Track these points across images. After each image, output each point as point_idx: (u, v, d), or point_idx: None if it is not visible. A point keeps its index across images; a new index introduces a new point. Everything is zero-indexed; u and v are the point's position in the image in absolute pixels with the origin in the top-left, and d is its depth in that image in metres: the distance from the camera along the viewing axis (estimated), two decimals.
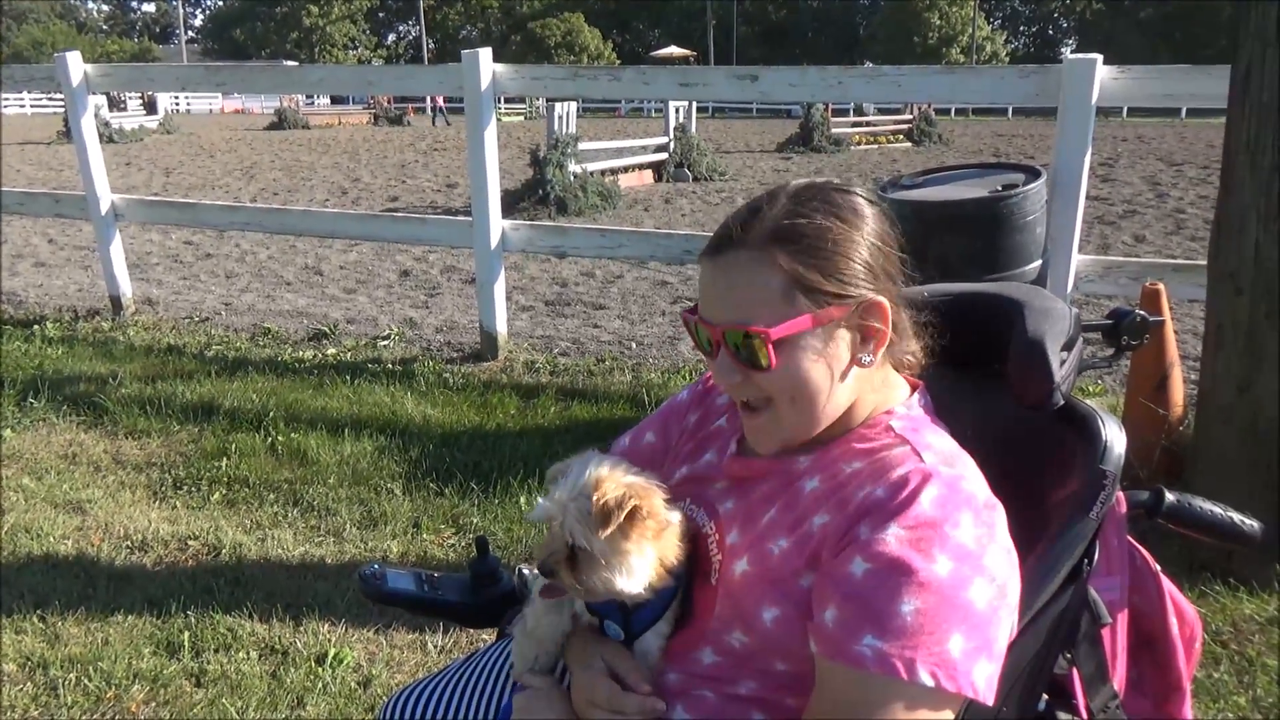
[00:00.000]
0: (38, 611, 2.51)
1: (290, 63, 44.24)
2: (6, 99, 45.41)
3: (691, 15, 62.73)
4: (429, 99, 35.19)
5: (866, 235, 0.95)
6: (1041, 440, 1.03)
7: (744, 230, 0.95)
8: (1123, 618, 1.02)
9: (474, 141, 4.26)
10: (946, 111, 37.27)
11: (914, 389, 1.03)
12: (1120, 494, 1.01)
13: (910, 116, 22.53)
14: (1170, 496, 1.03)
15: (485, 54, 4.12)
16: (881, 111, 25.53)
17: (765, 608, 0.93)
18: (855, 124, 23.26)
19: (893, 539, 0.84)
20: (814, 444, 0.99)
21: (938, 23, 50.84)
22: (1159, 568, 1.09)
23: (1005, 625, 0.85)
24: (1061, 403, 0.99)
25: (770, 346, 0.92)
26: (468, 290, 6.44)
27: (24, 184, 12.18)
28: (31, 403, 4.08)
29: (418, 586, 1.25)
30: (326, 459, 3.51)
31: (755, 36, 66.92)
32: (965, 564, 0.83)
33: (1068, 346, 1.00)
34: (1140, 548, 1.07)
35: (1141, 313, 1.12)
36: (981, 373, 1.09)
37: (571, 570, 0.95)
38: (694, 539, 1.04)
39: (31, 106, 43.83)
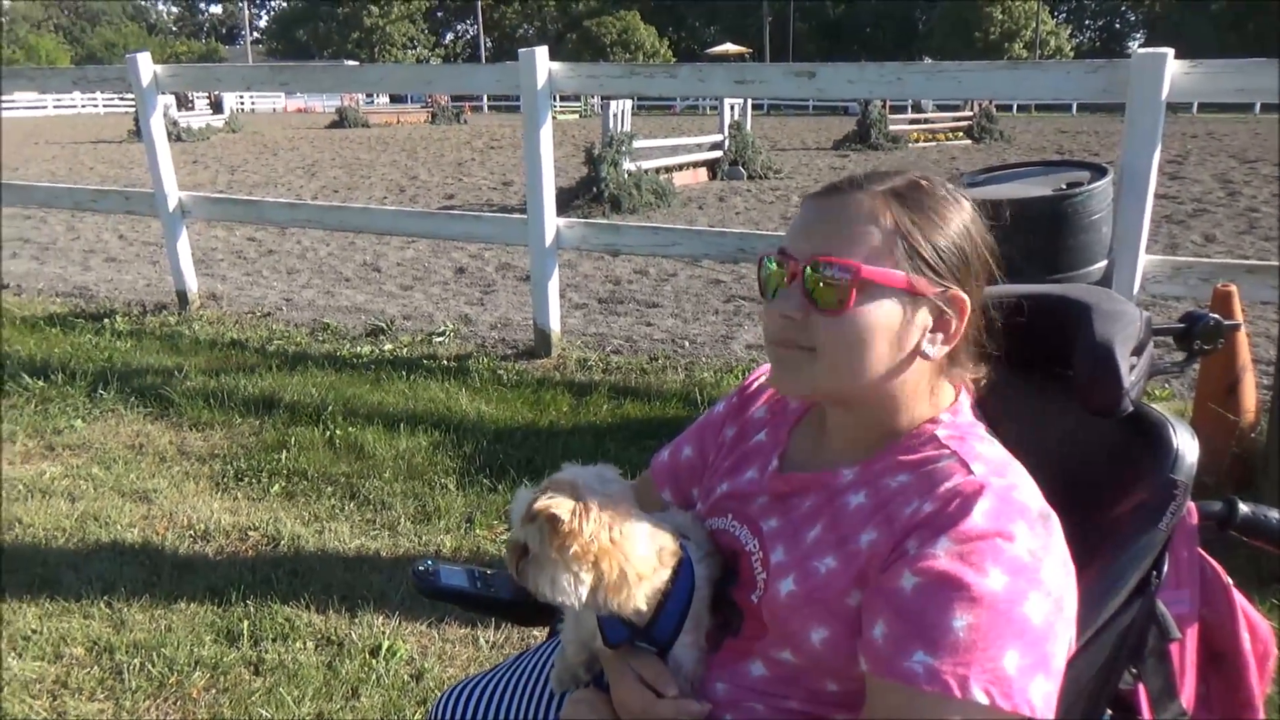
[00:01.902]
0: (105, 598, 2.59)
1: (351, 62, 45.03)
2: (82, 99, 46.93)
3: (747, 11, 62.34)
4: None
5: (969, 225, 0.94)
6: (1108, 448, 1.00)
7: (865, 180, 0.94)
8: (1192, 632, 0.98)
9: (530, 139, 4.28)
10: (1008, 108, 36.53)
11: (958, 393, 1.00)
12: (1191, 504, 0.97)
13: (970, 113, 22.11)
14: (1244, 507, 0.99)
15: (542, 52, 4.14)
16: (940, 108, 25.10)
17: (813, 628, 0.91)
18: (913, 121, 22.91)
19: (943, 553, 0.81)
20: (859, 455, 0.97)
21: (1000, 17, 49.84)
22: (1230, 580, 1.05)
23: (1063, 641, 0.82)
24: (1130, 409, 0.95)
25: (855, 286, 0.89)
26: (522, 287, 6.48)
27: (96, 181, 12.59)
28: (101, 394, 4.20)
29: (470, 583, 1.25)
30: (383, 453, 3.56)
31: (812, 32, 66.31)
32: (1020, 577, 0.80)
33: (1138, 351, 0.97)
34: (1210, 559, 1.03)
35: (1215, 316, 1.08)
36: (1044, 376, 1.06)
37: (519, 566, 0.97)
38: (735, 555, 1.03)
39: (104, 106, 45.29)
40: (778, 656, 0.96)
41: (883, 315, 0.90)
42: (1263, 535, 1.00)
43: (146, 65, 5.10)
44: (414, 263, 7.54)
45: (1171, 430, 0.93)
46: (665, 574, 0.99)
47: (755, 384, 1.19)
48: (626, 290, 6.48)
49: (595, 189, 9.92)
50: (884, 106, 19.32)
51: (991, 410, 1.02)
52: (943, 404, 0.97)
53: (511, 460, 3.46)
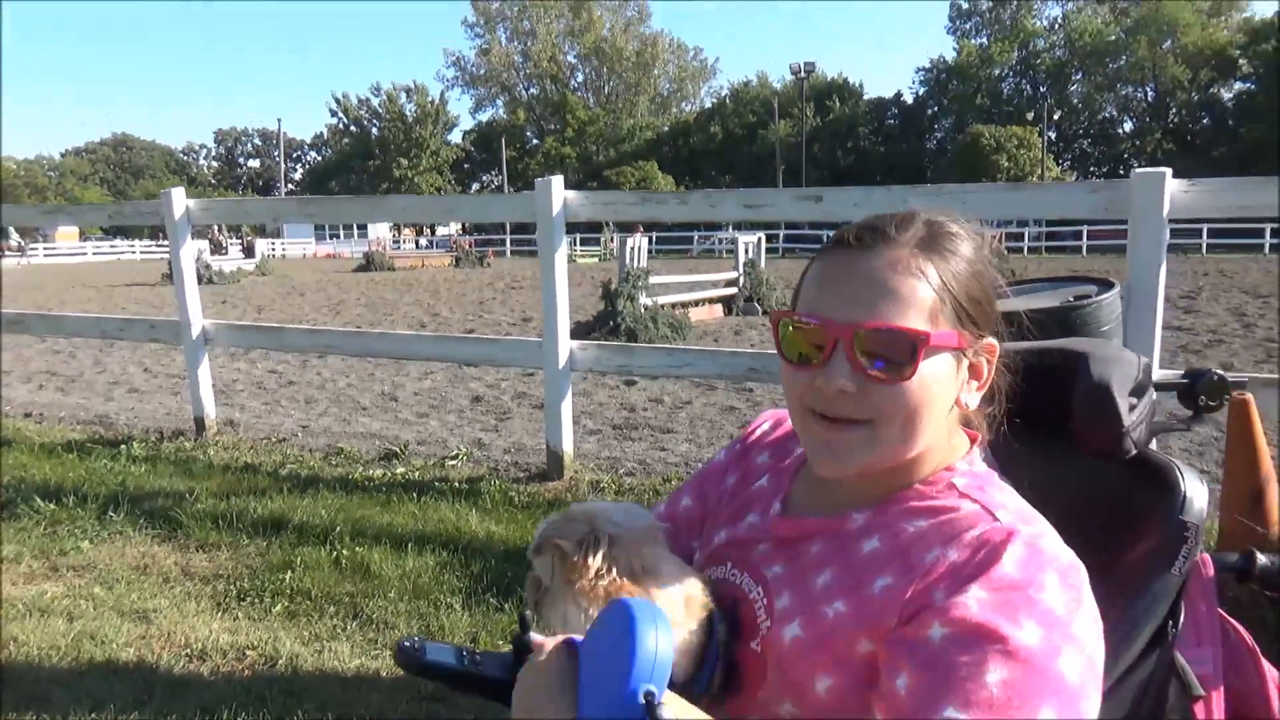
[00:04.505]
0: (93, 715, 2.50)
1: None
2: (121, 245, 48.87)
3: (761, 160, 64.78)
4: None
5: (983, 267, 0.93)
6: (1116, 495, 0.97)
7: (887, 230, 0.90)
8: (1219, 697, 0.92)
9: (545, 263, 4.39)
10: (1019, 248, 37.28)
11: (973, 442, 0.97)
12: (1207, 557, 0.93)
13: None
14: (1263, 559, 0.94)
15: (557, 181, 4.29)
16: None
17: (819, 677, 0.86)
18: None
19: (974, 603, 0.77)
20: (870, 501, 0.93)
21: (1006, 164, 51.47)
22: (1258, 647, 0.99)
23: (1095, 699, 0.76)
24: (1134, 452, 0.93)
25: (921, 354, 0.85)
26: (537, 415, 6.49)
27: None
28: (111, 516, 4.18)
29: (458, 660, 1.19)
30: (389, 573, 3.48)
31: (824, 180, 68.60)
32: (1055, 631, 0.75)
33: (1137, 393, 0.95)
34: (1234, 623, 0.98)
35: (1220, 372, 1.06)
36: (1049, 428, 1.04)
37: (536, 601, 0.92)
38: (735, 604, 0.98)
39: (141, 252, 47.08)
40: (778, 710, 0.90)
41: (941, 377, 0.88)
42: None
43: (180, 199, 5.32)
44: (431, 392, 7.60)
45: (1179, 473, 0.90)
46: (694, 624, 0.93)
47: (758, 431, 1.17)
48: (641, 417, 6.48)
49: (612, 322, 10.09)
50: None
51: (999, 466, 0.99)
52: (958, 451, 0.95)
53: (519, 579, 3.37)
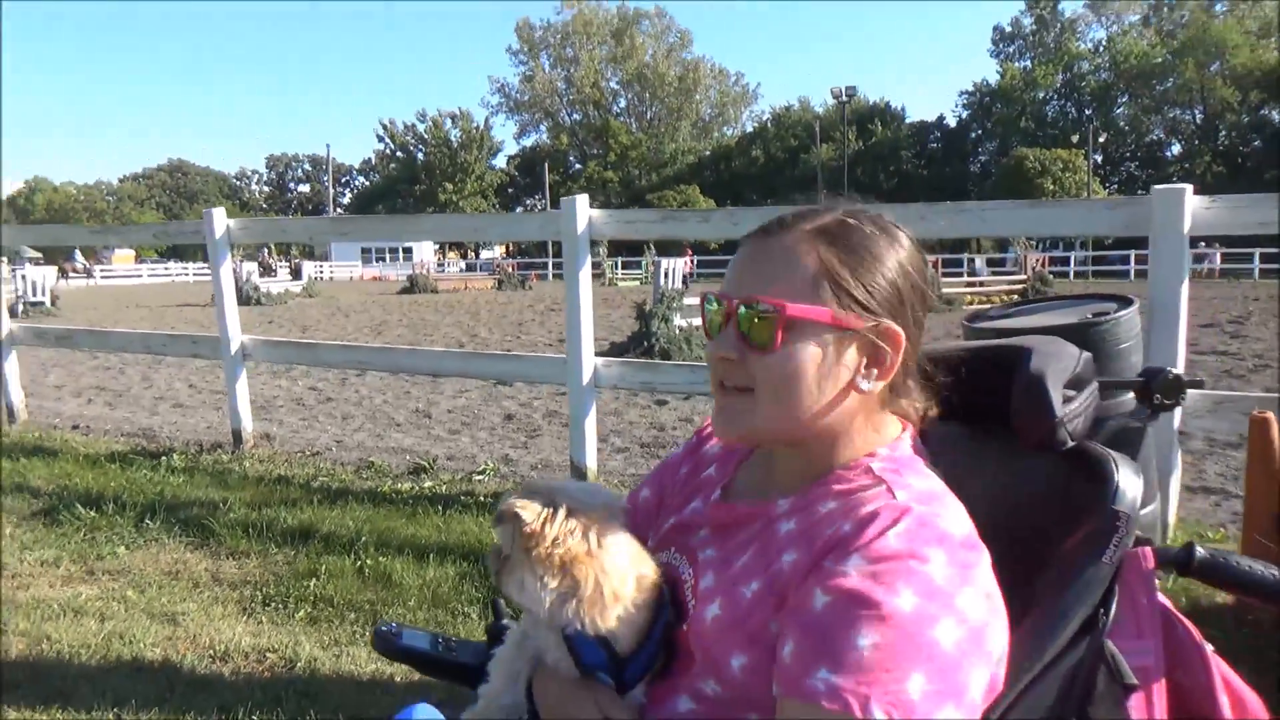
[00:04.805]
0: (115, 710, 2.58)
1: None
2: (174, 267, 50.18)
3: (803, 184, 64.73)
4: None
5: (903, 260, 0.96)
6: (1052, 486, 0.99)
7: (793, 220, 0.97)
8: (1160, 690, 0.93)
9: (570, 281, 4.46)
10: (1064, 273, 36.77)
11: (904, 428, 1.00)
12: (1148, 550, 0.94)
13: (1024, 276, 22.33)
14: (1201, 550, 0.95)
15: (582, 200, 4.37)
16: (995, 273, 25.39)
17: (734, 655, 0.90)
18: (969, 284, 23.18)
19: (854, 571, 0.80)
20: (796, 486, 0.97)
21: (1050, 187, 50.84)
22: (1210, 647, 1.00)
23: (979, 674, 0.78)
24: (1070, 444, 0.95)
25: (781, 325, 0.91)
26: (566, 433, 6.53)
27: None
28: (148, 524, 4.30)
29: (432, 646, 1.25)
30: (410, 582, 3.54)
31: (867, 204, 67.93)
32: (933, 601, 0.78)
33: (1075, 386, 0.97)
34: (1183, 619, 0.99)
35: (1176, 371, 1.08)
36: (992, 424, 1.06)
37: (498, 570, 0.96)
38: (674, 586, 1.02)
39: (194, 275, 48.20)
40: (704, 688, 0.93)
41: (812, 351, 0.92)
42: (1221, 579, 0.96)
43: (220, 219, 5.49)
44: (464, 410, 7.71)
45: (1113, 464, 0.92)
46: (641, 600, 0.97)
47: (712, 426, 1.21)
48: (670, 436, 6.51)
49: (646, 343, 10.14)
50: (936, 269, 19.64)
51: (944, 461, 1.02)
52: (885, 438, 0.98)
53: None
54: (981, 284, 23.46)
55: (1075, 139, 56.93)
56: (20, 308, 20.53)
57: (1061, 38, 67.34)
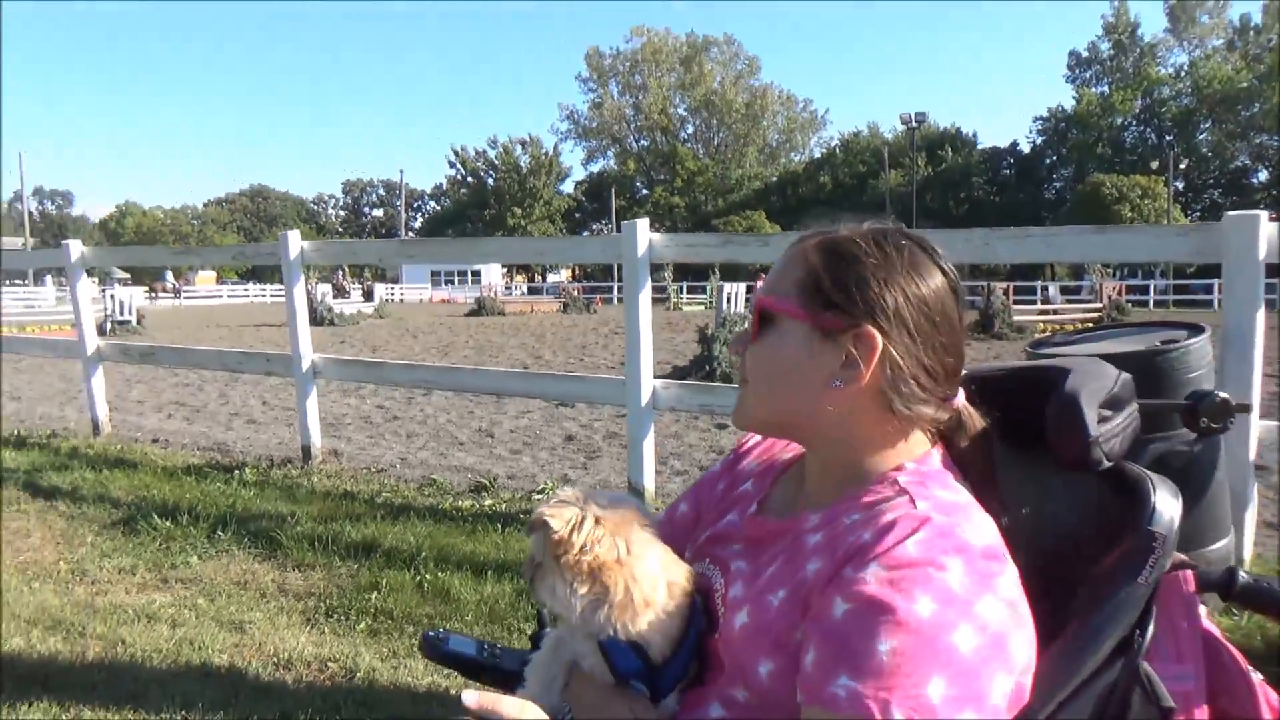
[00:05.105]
0: (184, 713, 2.68)
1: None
2: (254, 288, 51.90)
3: (872, 210, 64.00)
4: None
5: (902, 279, 0.97)
6: (1089, 507, 0.98)
7: (813, 233, 1.04)
8: (1202, 715, 0.92)
9: (630, 303, 4.51)
10: (1144, 301, 35.72)
11: (933, 444, 1.01)
12: (1189, 573, 0.93)
13: (1100, 304, 21.77)
14: (1245, 575, 0.94)
15: (643, 224, 4.43)
16: (1070, 300, 24.81)
17: (761, 661, 0.91)
18: (1041, 312, 22.68)
19: (872, 578, 0.82)
20: (826, 501, 0.99)
21: (1129, 214, 49.52)
22: (1259, 676, 0.98)
23: (1000, 682, 0.78)
24: (1106, 464, 0.94)
25: (758, 317, 0.99)
26: (625, 454, 6.58)
27: None
28: (219, 535, 4.45)
29: (478, 652, 1.28)
30: (467, 597, 3.60)
31: (935, 228, 67.15)
32: (950, 608, 0.79)
33: (1113, 406, 0.97)
34: (1229, 646, 0.97)
35: (1223, 395, 1.07)
36: (1030, 445, 1.06)
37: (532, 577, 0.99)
38: (706, 595, 1.04)
39: (271, 296, 49.70)
40: (733, 695, 0.95)
41: (788, 348, 0.98)
42: (1263, 605, 0.94)
43: (295, 241, 5.69)
44: (526, 430, 7.80)
45: (1150, 485, 0.92)
46: (673, 607, 1.00)
47: (750, 441, 1.23)
48: None
49: (707, 367, 10.14)
50: (1007, 295, 19.27)
51: (985, 481, 1.02)
52: (913, 454, 0.99)
53: None
54: (1055, 311, 22.94)
55: (1155, 165, 55.43)
56: (108, 326, 21.40)
57: (1141, 63, 65.80)
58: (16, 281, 51.99)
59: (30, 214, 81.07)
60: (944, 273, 1.00)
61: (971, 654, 0.78)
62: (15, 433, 7.25)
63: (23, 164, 74.02)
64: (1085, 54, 69.30)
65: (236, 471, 5.78)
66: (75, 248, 7.06)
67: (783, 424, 1.03)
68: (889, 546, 0.84)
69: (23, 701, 2.76)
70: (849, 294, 0.96)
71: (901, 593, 0.80)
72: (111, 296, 23.74)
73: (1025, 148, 70.24)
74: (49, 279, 46.86)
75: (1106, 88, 66.68)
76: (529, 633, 3.25)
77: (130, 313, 23.68)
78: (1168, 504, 0.90)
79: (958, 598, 0.79)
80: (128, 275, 45.29)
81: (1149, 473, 0.94)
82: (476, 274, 60.45)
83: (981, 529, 0.88)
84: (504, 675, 1.28)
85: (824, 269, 0.98)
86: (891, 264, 0.98)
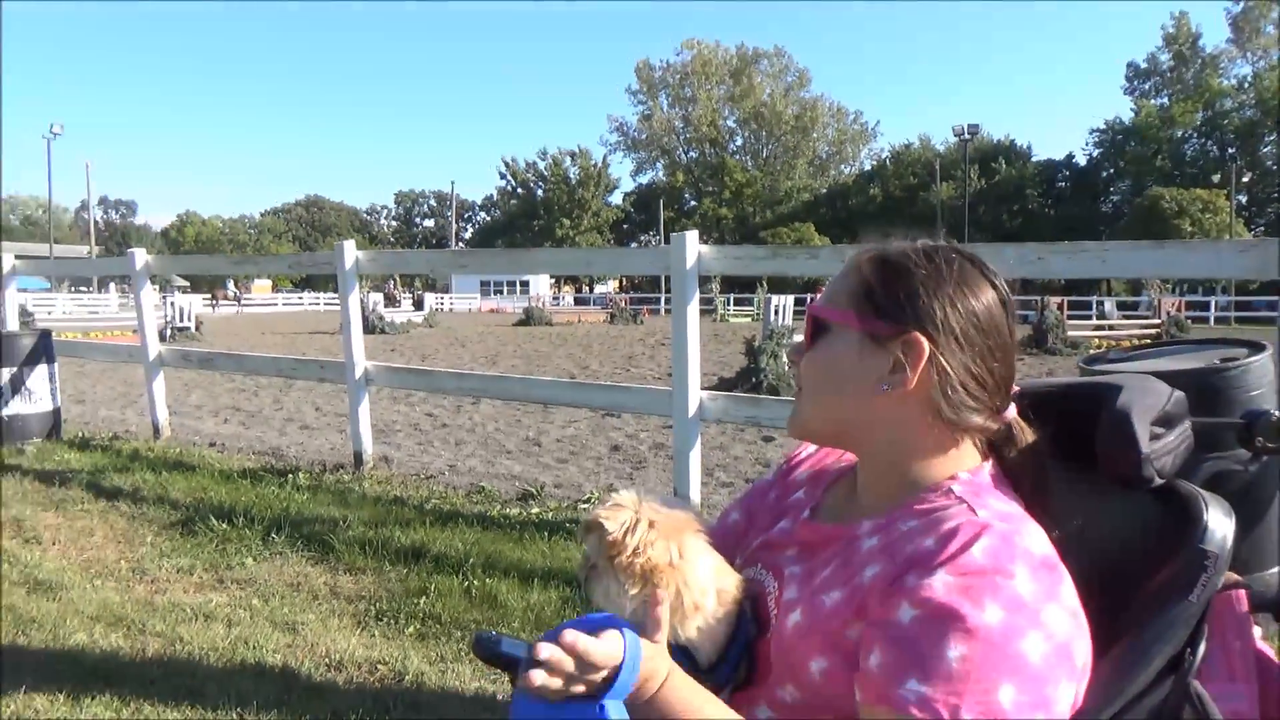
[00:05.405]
0: (239, 709, 2.74)
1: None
2: (308, 297, 52.96)
3: (923, 223, 63.22)
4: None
5: (952, 291, 0.99)
6: (1141, 524, 0.98)
7: (871, 248, 1.06)
8: None
9: (678, 315, 4.54)
10: (1204, 318, 34.86)
11: (984, 458, 1.02)
12: (1243, 593, 0.93)
13: (1158, 321, 21.27)
14: None
15: (692, 236, 4.45)
16: (1126, 316, 24.29)
17: (813, 659, 0.93)
18: (1096, 327, 22.24)
19: (941, 585, 0.83)
20: (880, 509, 1.00)
21: (1189, 229, 48.33)
22: None
23: (1065, 689, 0.80)
24: (1158, 481, 0.94)
25: (810, 326, 1.03)
26: (671, 465, 6.60)
27: None
28: (274, 538, 4.55)
29: (529, 655, 1.30)
30: (515, 604, 3.64)
31: (988, 242, 66.25)
32: (1019, 615, 0.80)
33: (1165, 424, 0.97)
34: None
35: (1278, 413, 1.06)
36: (1083, 460, 1.06)
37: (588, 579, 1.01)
38: (757, 600, 1.06)
39: (325, 305, 50.67)
40: (782, 695, 0.97)
41: (838, 354, 1.01)
42: None
43: (350, 251, 5.82)
44: (573, 440, 7.86)
45: (1202, 502, 0.91)
46: (721, 614, 1.01)
47: (802, 453, 1.25)
48: None
49: (754, 379, 10.12)
50: (1061, 310, 18.92)
51: (1037, 495, 1.02)
52: (965, 465, 1.00)
53: None
54: (1111, 327, 22.48)
55: (1216, 179, 54.13)
56: (168, 332, 21.98)
57: (1202, 74, 64.32)
58: (82, 288, 53.68)
59: (95, 222, 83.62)
60: (994, 286, 1.02)
61: (1040, 661, 0.79)
62: (80, 435, 7.48)
63: (90, 174, 76.38)
64: (1144, 65, 68.00)
65: (290, 476, 5.90)
66: (140, 256, 7.28)
67: (835, 431, 1.05)
68: (954, 553, 0.85)
69: (86, 695, 2.85)
70: (899, 303, 0.99)
71: (971, 600, 0.81)
72: (172, 304, 24.38)
73: (1081, 160, 69.03)
74: (112, 286, 48.32)
75: (1166, 99, 65.30)
76: None
77: (189, 319, 24.28)
78: (1220, 522, 0.90)
79: (1026, 605, 0.81)
80: (187, 283, 46.51)
81: (1201, 491, 0.94)
82: (525, 284, 61.02)
83: (1038, 538, 0.89)
84: None
85: (876, 279, 1.01)
86: (941, 276, 1.00)
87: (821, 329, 1.03)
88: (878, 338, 0.99)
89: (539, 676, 0.86)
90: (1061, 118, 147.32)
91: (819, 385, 1.03)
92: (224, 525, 4.71)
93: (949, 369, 0.98)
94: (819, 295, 1.09)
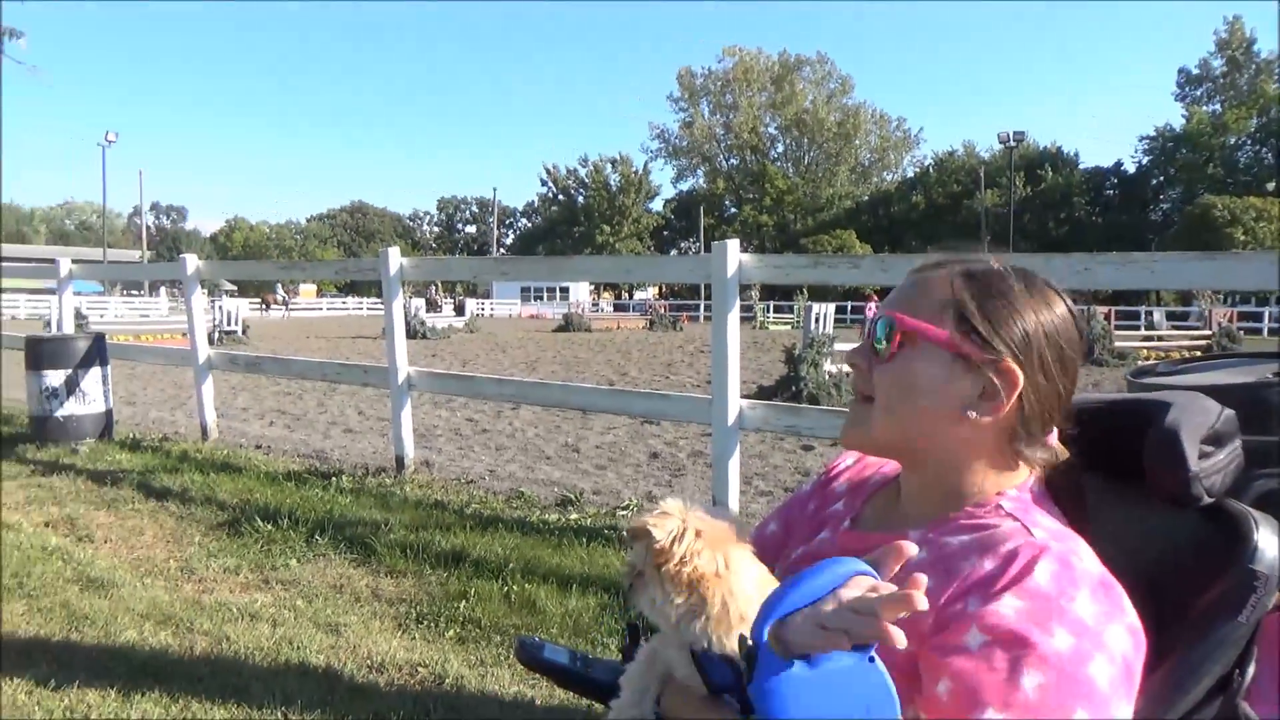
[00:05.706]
0: (283, 708, 2.79)
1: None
2: (351, 302, 53.68)
3: (966, 231, 62.70)
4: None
5: (1043, 316, 0.99)
6: (1189, 543, 0.97)
7: (951, 260, 1.04)
8: None
9: (718, 323, 4.54)
10: (1258, 329, 34.02)
11: (1031, 474, 1.01)
12: None
13: (1209, 331, 20.80)
14: None
15: (733, 244, 4.45)
16: (1176, 326, 23.79)
17: None
18: (1145, 338, 21.80)
19: (1010, 610, 0.83)
20: (926, 519, 1.00)
21: (1242, 238, 47.23)
22: None
23: (1128, 710, 0.80)
24: (1207, 500, 0.93)
25: (898, 336, 0.98)
26: (709, 473, 6.57)
27: None
28: (317, 539, 4.62)
29: (571, 661, 1.31)
30: (553, 610, 3.66)
31: (1033, 251, 65.19)
32: (1085, 639, 0.80)
33: (1215, 442, 0.95)
34: None
35: None
36: (1130, 477, 1.05)
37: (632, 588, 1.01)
38: None
39: (368, 309, 51.33)
40: None
41: (924, 370, 0.98)
42: None
43: (395, 257, 5.90)
44: (611, 446, 7.88)
45: (1252, 522, 0.90)
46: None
47: (841, 465, 1.25)
48: None
49: (794, 388, 10.07)
50: (1108, 321, 18.59)
51: (1077, 512, 1.02)
52: (1013, 481, 1.00)
53: None
54: (1160, 338, 22.02)
55: (1271, 186, 52.84)
56: (216, 335, 22.42)
57: (1256, 80, 62.87)
58: (133, 291, 54.95)
59: (148, 228, 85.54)
60: (1070, 311, 1.02)
61: (1108, 685, 0.80)
62: (131, 435, 7.65)
63: (142, 181, 78.07)
64: (1196, 71, 66.65)
65: (334, 479, 5.99)
66: (191, 261, 7.44)
67: (899, 446, 1.03)
68: (1017, 576, 0.85)
69: (136, 691, 2.92)
70: (994, 326, 0.97)
71: (1039, 625, 0.81)
72: (220, 308, 24.89)
73: (1130, 168, 67.72)
74: (163, 290, 49.40)
75: (1219, 106, 63.91)
76: (616, 650, 3.29)
77: (237, 323, 24.75)
78: (1270, 542, 0.89)
79: (1090, 629, 0.81)
80: (234, 287, 47.45)
81: (1252, 510, 0.93)
82: (565, 290, 61.29)
83: (1091, 557, 0.89)
84: (595, 686, 1.31)
85: (970, 297, 0.98)
86: (1033, 300, 0.99)
87: (906, 340, 0.99)
88: (969, 360, 0.97)
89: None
90: (1110, 125, 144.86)
91: (898, 399, 0.99)
92: (269, 526, 4.79)
93: (1034, 400, 0.97)
94: (883, 299, 1.05)
